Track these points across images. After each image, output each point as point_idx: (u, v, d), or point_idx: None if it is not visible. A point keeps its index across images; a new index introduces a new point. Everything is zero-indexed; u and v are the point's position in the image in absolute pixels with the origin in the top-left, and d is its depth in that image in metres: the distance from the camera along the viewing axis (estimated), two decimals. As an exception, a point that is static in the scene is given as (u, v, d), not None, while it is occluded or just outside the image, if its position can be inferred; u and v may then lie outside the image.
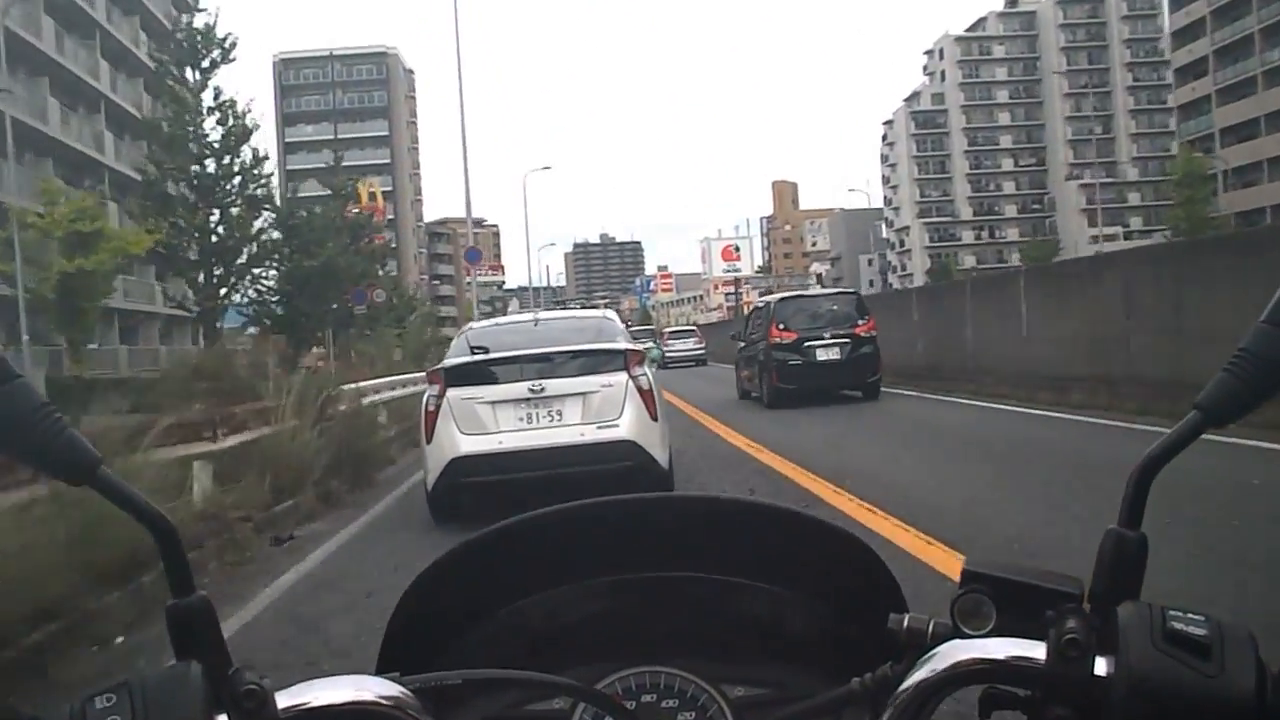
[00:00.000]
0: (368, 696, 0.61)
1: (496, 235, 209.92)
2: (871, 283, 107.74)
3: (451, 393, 7.41)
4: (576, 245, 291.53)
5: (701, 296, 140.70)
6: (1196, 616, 0.57)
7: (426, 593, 0.86)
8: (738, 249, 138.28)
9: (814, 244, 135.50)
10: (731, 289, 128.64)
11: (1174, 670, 0.55)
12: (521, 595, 0.90)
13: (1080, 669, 0.58)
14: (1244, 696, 0.54)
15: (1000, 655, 0.60)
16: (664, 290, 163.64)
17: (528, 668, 0.77)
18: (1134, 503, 0.61)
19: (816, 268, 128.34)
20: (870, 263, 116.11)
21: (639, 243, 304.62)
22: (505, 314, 27.88)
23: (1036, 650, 0.59)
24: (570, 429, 7.29)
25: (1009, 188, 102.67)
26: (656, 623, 0.91)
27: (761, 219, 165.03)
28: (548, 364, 7.48)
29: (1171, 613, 0.57)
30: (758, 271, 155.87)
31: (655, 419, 7.42)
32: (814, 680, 0.80)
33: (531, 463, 7.10)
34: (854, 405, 15.39)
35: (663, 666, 0.89)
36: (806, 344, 15.45)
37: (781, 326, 15.74)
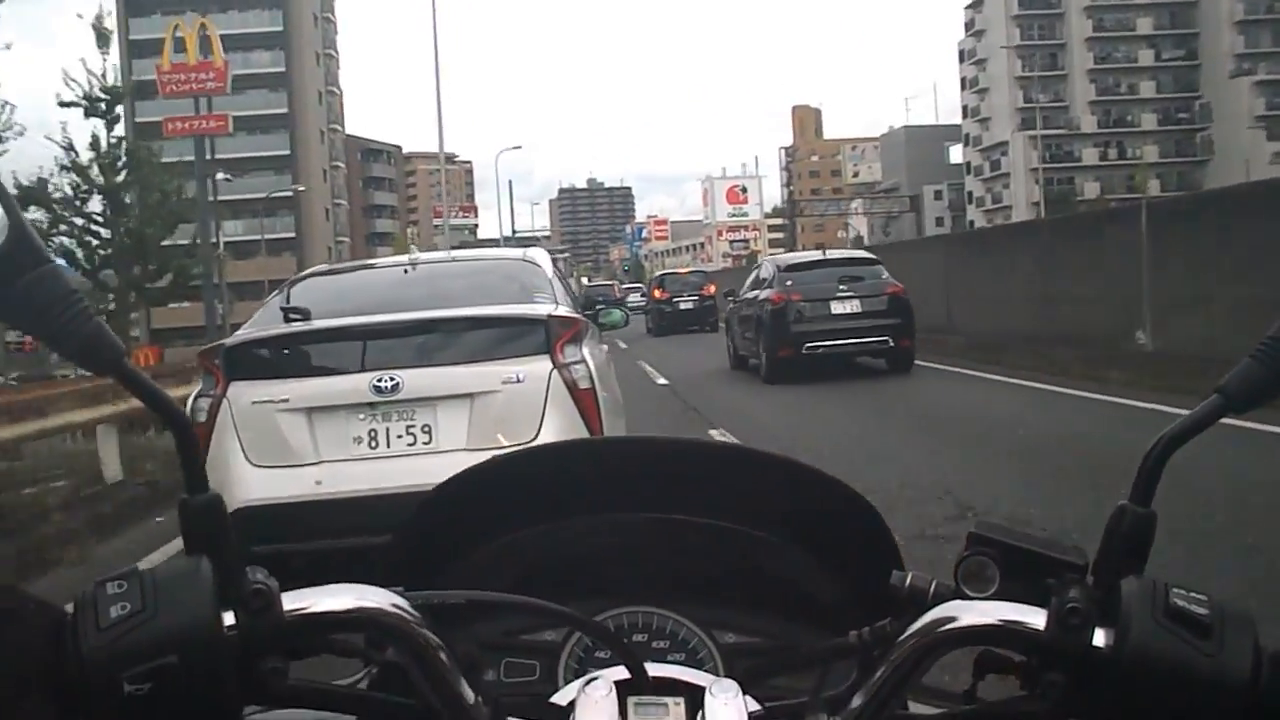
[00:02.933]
0: (372, 605, 0.62)
1: (469, 173, 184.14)
2: (940, 221, 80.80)
3: (236, 391, 4.25)
4: (562, 191, 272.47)
5: (703, 245, 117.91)
6: (1199, 595, 0.58)
7: (431, 514, 0.88)
8: (745, 190, 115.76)
9: (855, 174, 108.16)
10: (737, 236, 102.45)
11: (1173, 646, 0.56)
12: (522, 526, 0.91)
13: (1079, 638, 0.58)
14: (1240, 677, 0.56)
15: (1000, 619, 0.60)
16: (659, 239, 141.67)
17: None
18: (1147, 480, 0.62)
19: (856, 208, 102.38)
20: (938, 195, 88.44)
21: (629, 188, 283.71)
22: None
23: (1037, 617, 0.60)
24: (445, 459, 3.92)
25: (1147, 90, 74.92)
26: (652, 564, 0.91)
27: (781, 150, 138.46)
28: (410, 343, 4.31)
29: (1175, 590, 0.58)
30: (774, 213, 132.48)
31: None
32: (807, 633, 0.81)
33: (377, 518, 3.23)
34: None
35: (655, 608, 0.89)
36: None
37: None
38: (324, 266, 6.21)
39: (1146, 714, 0.56)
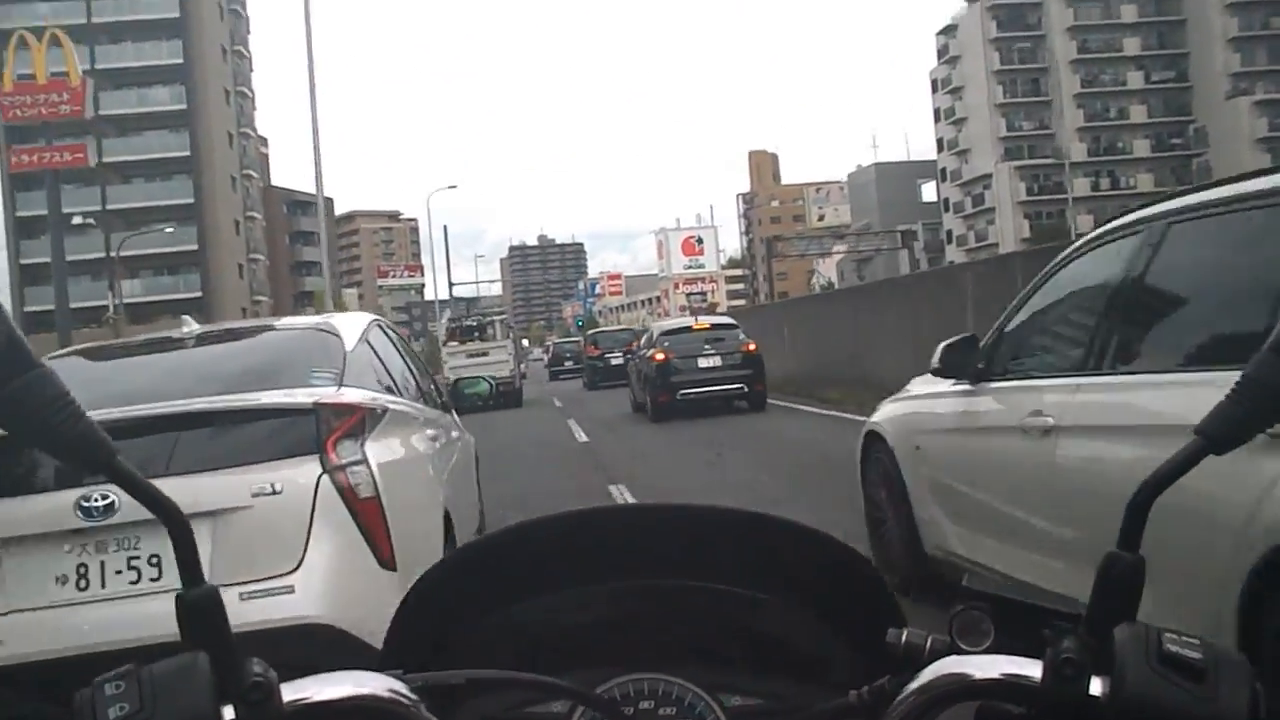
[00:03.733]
0: (371, 692, 0.61)
1: (414, 230, 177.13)
2: (917, 264, 74.56)
3: None
4: (512, 249, 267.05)
5: (659, 298, 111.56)
6: (1192, 640, 0.57)
7: (430, 593, 0.88)
8: (700, 241, 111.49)
9: (820, 217, 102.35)
10: (695, 288, 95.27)
11: (1168, 692, 0.55)
12: (523, 599, 0.91)
13: (1076, 688, 0.58)
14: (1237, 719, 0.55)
15: (997, 673, 0.60)
16: (613, 293, 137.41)
17: (527, 671, 0.78)
18: (1131, 527, 0.62)
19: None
20: (902, 237, 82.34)
21: (581, 244, 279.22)
22: (476, 325, 28.14)
23: (1033, 669, 0.59)
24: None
25: (1138, 115, 69.56)
26: (656, 630, 0.91)
27: (738, 196, 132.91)
28: (136, 446, 3.29)
29: (1167, 635, 0.58)
30: (731, 265, 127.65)
31: (391, 565, 3.34)
32: (811, 693, 0.81)
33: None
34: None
35: (661, 674, 0.89)
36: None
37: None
38: (93, 344, 5.15)
39: None
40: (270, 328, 4.86)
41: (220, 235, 59.43)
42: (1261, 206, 2.76)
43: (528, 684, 0.74)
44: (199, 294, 58.28)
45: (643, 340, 19.50)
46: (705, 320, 18.75)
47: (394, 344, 4.94)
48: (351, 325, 4.33)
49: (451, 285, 62.90)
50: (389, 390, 4.18)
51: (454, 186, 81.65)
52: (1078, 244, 3.81)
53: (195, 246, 58.52)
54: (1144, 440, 2.76)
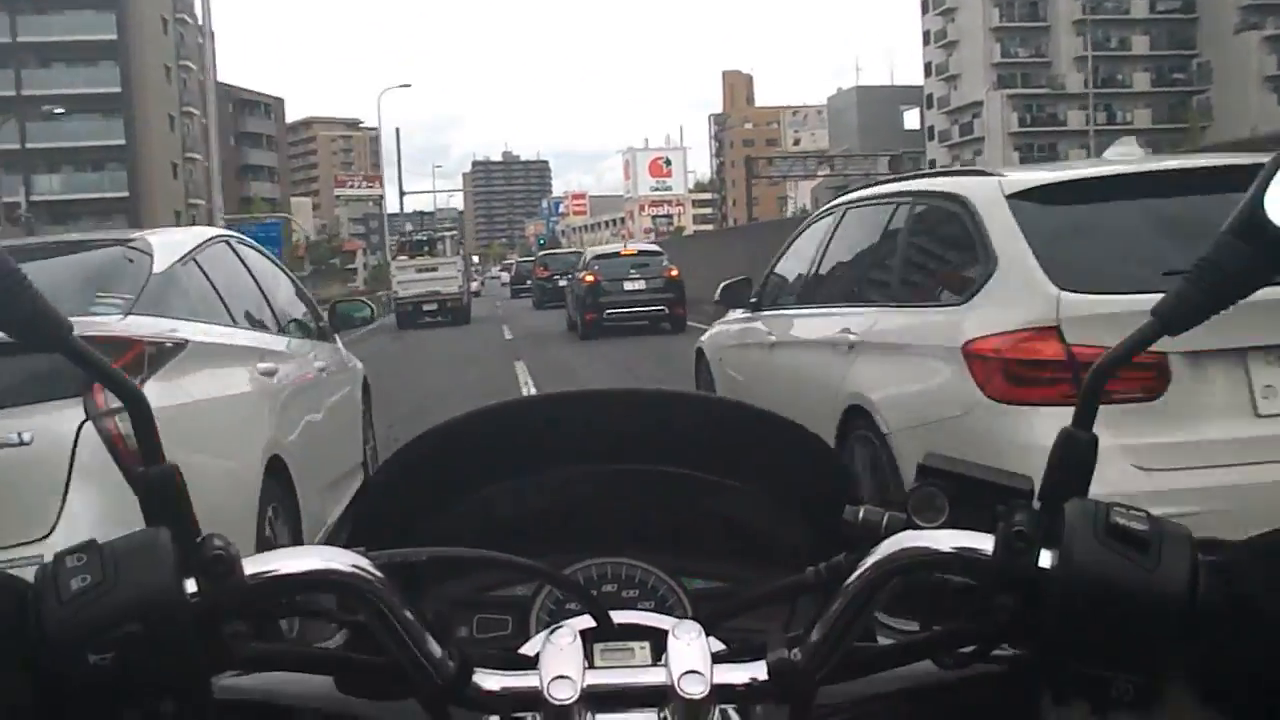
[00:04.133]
0: (335, 566, 0.62)
1: (375, 140, 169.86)
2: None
3: None
4: (475, 164, 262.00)
5: (623, 220, 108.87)
6: (1139, 512, 0.60)
7: (394, 476, 0.90)
8: (669, 162, 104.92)
9: (796, 142, 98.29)
10: (661, 211, 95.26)
11: (1114, 562, 0.58)
12: (486, 484, 0.92)
13: (1025, 560, 0.60)
14: (1178, 588, 0.57)
15: (949, 546, 0.62)
16: (577, 213, 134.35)
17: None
18: (1086, 404, 0.63)
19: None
20: (893, 163, 78.90)
21: (546, 162, 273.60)
22: (426, 240, 28.23)
23: (985, 543, 0.61)
24: None
25: (1140, 46, 65.83)
26: (618, 515, 0.93)
27: (710, 117, 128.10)
28: None
29: (1115, 509, 0.60)
30: (698, 189, 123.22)
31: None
32: (771, 573, 0.81)
33: None
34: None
35: (623, 558, 0.91)
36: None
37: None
38: None
39: (1090, 627, 0.58)
40: (80, 244, 4.19)
41: (151, 130, 54.39)
42: (884, 203, 4.51)
43: (491, 562, 0.75)
44: (125, 193, 53.46)
45: (580, 263, 20.71)
46: (633, 246, 21.02)
47: (245, 264, 4.61)
48: (173, 242, 3.99)
49: (403, 194, 58.34)
50: (215, 318, 3.89)
51: (408, 85, 75.39)
52: (810, 216, 5.97)
53: (123, 141, 53.52)
54: (815, 349, 4.54)
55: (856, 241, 4.68)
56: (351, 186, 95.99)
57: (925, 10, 75.32)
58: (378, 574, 0.63)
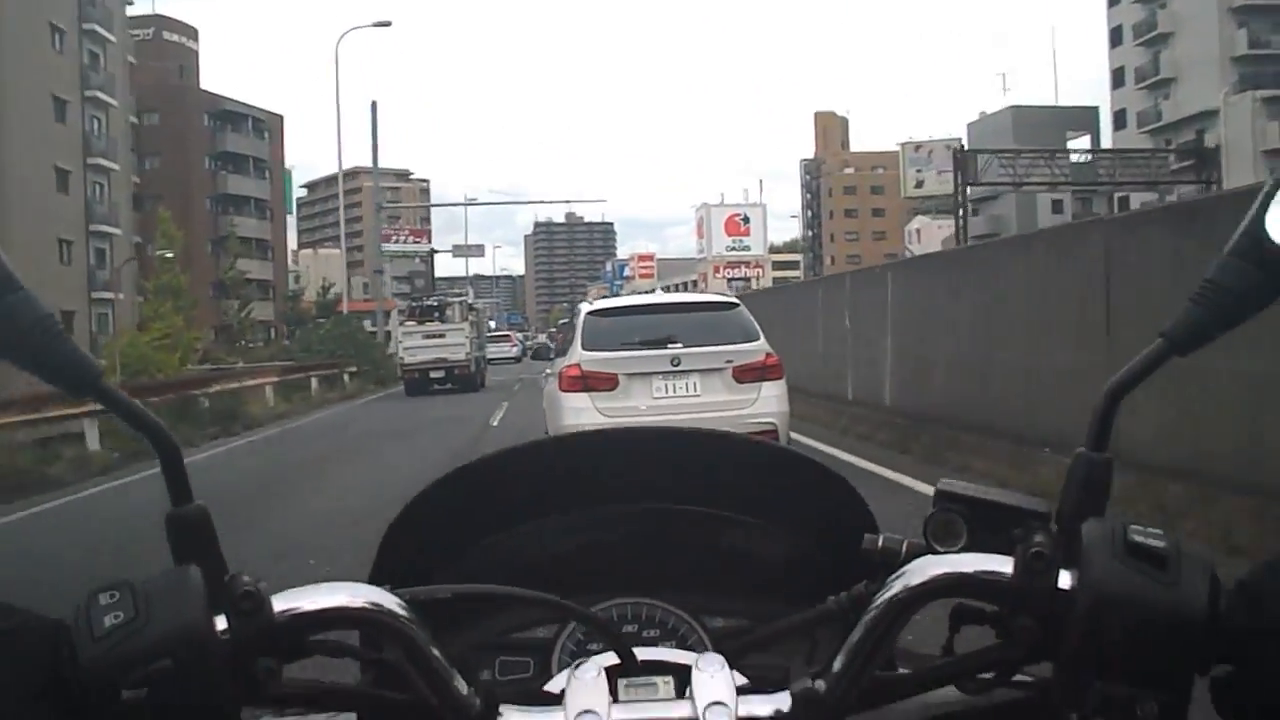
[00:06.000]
0: (361, 603, 0.63)
1: (425, 192, 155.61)
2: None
3: None
4: (538, 225, 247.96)
5: (695, 282, 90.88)
6: (1156, 531, 0.60)
7: (417, 517, 0.90)
8: (746, 220, 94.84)
9: (919, 184, 79.07)
10: (737, 273, 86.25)
11: (1133, 580, 0.58)
12: (507, 525, 0.93)
13: (1045, 581, 0.60)
14: (1199, 604, 0.57)
15: (969, 569, 0.62)
16: (643, 276, 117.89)
17: None
18: (1100, 426, 0.64)
19: (918, 226, 73.65)
20: (1057, 205, 59.34)
21: (611, 224, 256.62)
22: (436, 305, 28.89)
23: (1004, 565, 0.61)
24: None
25: None
26: (638, 555, 0.93)
27: (802, 162, 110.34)
28: None
29: (1133, 527, 0.60)
30: (782, 249, 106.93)
31: None
32: (791, 607, 0.82)
33: None
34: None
35: (644, 598, 0.91)
36: None
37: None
38: None
39: (1112, 646, 0.57)
40: None
41: (13, 113, 36.48)
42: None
43: (513, 598, 0.76)
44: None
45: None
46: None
47: None
48: None
49: (454, 252, 40.60)
50: None
51: (388, 23, 52.05)
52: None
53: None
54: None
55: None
56: (397, 241, 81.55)
57: (1112, 2, 56.28)
58: (405, 611, 0.64)
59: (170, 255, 39.18)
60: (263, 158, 66.92)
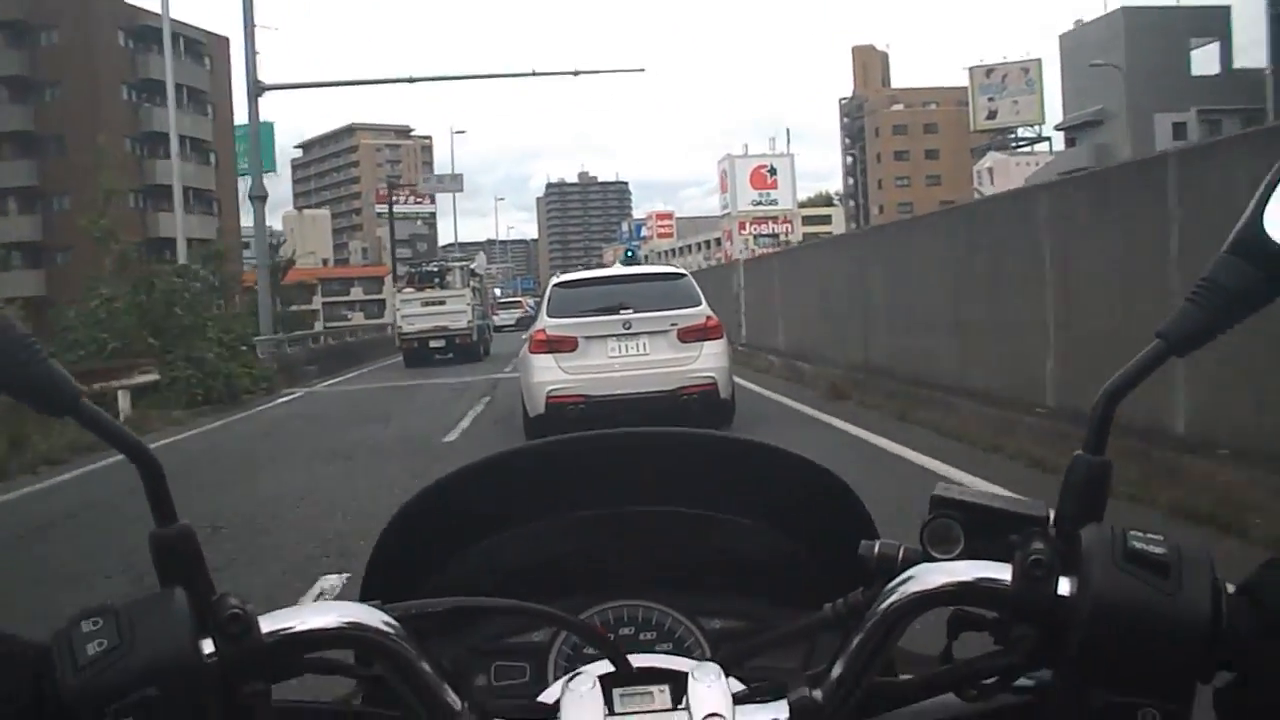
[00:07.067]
0: (350, 621, 0.62)
1: (427, 149, 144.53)
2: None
3: None
4: (550, 187, 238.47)
5: (719, 240, 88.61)
6: (1156, 537, 0.59)
7: (408, 525, 0.90)
8: (773, 171, 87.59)
9: (991, 115, 67.46)
10: (764, 229, 79.80)
11: (1134, 587, 0.57)
12: (498, 530, 0.93)
13: (1044, 588, 0.59)
14: (1200, 612, 0.57)
15: (968, 577, 0.61)
16: (662, 235, 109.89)
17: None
18: (1098, 429, 0.63)
19: (990, 165, 61.81)
20: (1179, 129, 46.95)
21: (625, 183, 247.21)
22: (437, 271, 28.15)
23: (1003, 572, 0.61)
24: None
25: None
26: (634, 557, 0.93)
27: (841, 102, 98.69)
28: None
29: (1132, 533, 0.59)
30: (813, 202, 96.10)
31: None
32: (789, 610, 0.82)
33: None
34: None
35: (640, 600, 0.91)
36: None
37: None
38: None
39: (1113, 654, 0.57)
40: None
41: None
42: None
43: (508, 610, 0.75)
44: None
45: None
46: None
47: None
48: None
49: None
50: None
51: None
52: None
53: None
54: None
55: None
56: (397, 203, 71.81)
57: None
58: (395, 627, 0.63)
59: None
60: (201, 88, 55.24)
